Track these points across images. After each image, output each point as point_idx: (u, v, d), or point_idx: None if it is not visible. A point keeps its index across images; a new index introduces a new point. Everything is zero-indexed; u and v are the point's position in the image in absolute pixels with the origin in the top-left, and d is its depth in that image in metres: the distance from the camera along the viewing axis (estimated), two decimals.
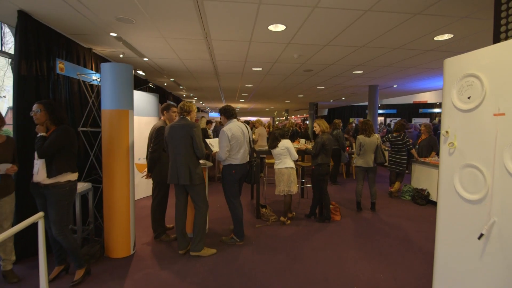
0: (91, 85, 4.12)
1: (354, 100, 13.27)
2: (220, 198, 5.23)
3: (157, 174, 3.48)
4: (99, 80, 4.00)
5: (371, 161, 4.59)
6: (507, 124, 1.40)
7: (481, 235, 1.50)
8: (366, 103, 10.63)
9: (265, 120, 7.94)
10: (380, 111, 13.47)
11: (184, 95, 11.58)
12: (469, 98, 1.60)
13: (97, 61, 4.68)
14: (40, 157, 2.36)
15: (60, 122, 2.49)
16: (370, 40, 3.88)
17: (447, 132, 1.75)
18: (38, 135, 2.44)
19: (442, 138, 1.79)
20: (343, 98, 11.73)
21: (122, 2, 2.82)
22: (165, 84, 8.22)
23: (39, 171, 2.41)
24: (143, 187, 5.32)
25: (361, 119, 4.86)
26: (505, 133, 1.41)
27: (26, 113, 2.73)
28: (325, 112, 19.24)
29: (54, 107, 2.48)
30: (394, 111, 12.95)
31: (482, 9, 2.84)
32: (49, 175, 2.40)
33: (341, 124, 6.57)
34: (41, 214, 1.69)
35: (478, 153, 1.55)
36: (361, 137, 4.65)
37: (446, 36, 3.64)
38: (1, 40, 3.72)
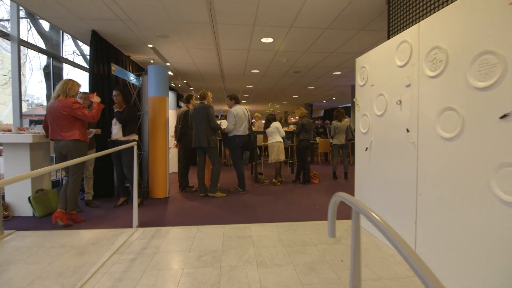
0: (129, 83, 5.57)
1: (344, 101, 14.68)
2: (226, 175, 6.63)
3: (184, 143, 4.90)
4: (134, 80, 5.45)
5: (343, 139, 5.99)
6: (375, 90, 2.80)
7: (367, 148, 2.90)
8: None
9: (263, 120, 9.28)
10: None
11: (191, 94, 13.06)
12: (363, 79, 3.01)
13: (133, 65, 6.15)
14: (120, 123, 3.78)
15: (128, 102, 3.93)
16: (336, 48, 5.32)
17: (356, 99, 3.16)
18: (115, 110, 3.87)
19: (355, 103, 3.20)
20: (334, 98, 13.15)
21: (163, 24, 4.27)
22: (179, 85, 9.70)
23: (117, 132, 3.83)
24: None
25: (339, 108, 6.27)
26: (374, 95, 2.81)
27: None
28: (322, 113, 20.66)
29: (126, 93, 3.93)
30: None
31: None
32: (124, 135, 3.82)
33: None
34: (134, 143, 3.10)
35: (367, 107, 2.96)
36: (334, 122, 6.06)
37: None
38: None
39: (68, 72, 5.93)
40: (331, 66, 6.88)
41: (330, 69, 7.21)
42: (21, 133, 3.58)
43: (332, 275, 2.12)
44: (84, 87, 6.14)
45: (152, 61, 6.30)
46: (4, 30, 4.36)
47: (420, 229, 2.16)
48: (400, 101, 2.37)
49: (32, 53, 5.37)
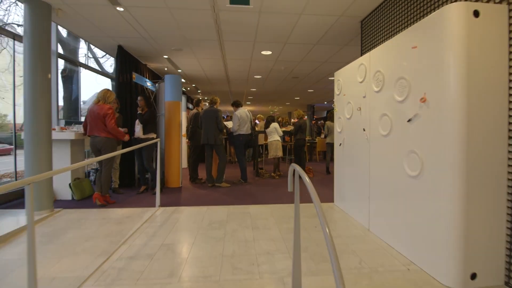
0: (146, 88, 6.42)
1: None
2: (231, 170, 7.43)
3: (194, 141, 5.72)
4: (150, 85, 6.29)
5: None
6: (346, 98, 3.57)
7: (340, 144, 3.67)
8: None
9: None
10: None
11: (200, 98, 13.93)
12: (339, 89, 3.79)
13: (149, 72, 7.01)
14: (141, 123, 4.62)
15: (150, 105, 4.76)
16: (327, 58, 6.09)
17: (334, 104, 3.94)
18: (138, 112, 4.71)
19: (334, 108, 3.97)
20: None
21: (179, 41, 5.10)
22: (188, 88, 10.56)
23: (139, 131, 4.67)
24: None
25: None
26: (345, 102, 3.57)
27: (122, 102, 5.01)
28: (324, 114, 21.34)
29: (147, 98, 4.76)
30: None
31: None
32: (144, 133, 4.65)
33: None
34: (158, 139, 3.92)
35: (341, 112, 3.73)
36: (328, 123, 6.82)
37: None
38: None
39: (80, 73, 6.69)
40: (326, 72, 7.64)
41: (325, 75, 7.96)
42: (63, 132, 4.43)
43: (306, 234, 2.91)
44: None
45: (166, 69, 7.15)
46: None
47: (372, 200, 2.92)
48: (360, 108, 3.13)
49: None
